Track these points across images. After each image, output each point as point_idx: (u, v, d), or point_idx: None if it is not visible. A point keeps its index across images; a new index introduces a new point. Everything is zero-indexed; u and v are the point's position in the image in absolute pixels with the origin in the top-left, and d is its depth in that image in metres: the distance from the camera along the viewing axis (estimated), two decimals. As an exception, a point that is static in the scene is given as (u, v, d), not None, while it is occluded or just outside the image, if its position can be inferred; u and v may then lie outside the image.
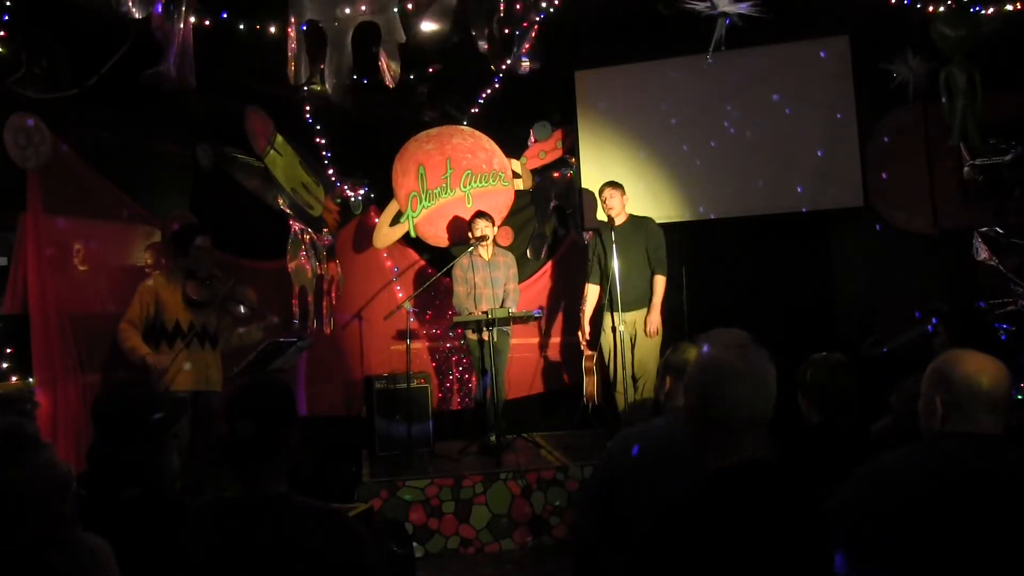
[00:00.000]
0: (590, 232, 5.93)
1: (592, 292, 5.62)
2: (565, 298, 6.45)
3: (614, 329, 5.30)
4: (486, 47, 5.11)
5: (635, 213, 5.60)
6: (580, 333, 5.71)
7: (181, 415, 2.52)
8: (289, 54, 4.74)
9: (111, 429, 2.28)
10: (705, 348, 1.73)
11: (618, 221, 5.44)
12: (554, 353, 6.50)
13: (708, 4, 4.76)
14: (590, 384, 5.59)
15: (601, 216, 5.74)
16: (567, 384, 6.38)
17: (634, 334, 5.35)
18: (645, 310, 5.37)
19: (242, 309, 4.74)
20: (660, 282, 5.44)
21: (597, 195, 5.53)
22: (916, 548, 1.81)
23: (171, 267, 4.75)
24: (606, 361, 5.47)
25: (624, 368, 5.28)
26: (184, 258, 4.61)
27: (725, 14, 4.77)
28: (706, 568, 1.54)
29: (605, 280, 5.45)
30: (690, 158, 6.25)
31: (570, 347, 6.28)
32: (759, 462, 1.63)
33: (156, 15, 4.27)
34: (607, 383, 5.53)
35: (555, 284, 6.55)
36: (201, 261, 4.61)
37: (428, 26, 4.96)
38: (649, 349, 5.35)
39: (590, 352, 5.63)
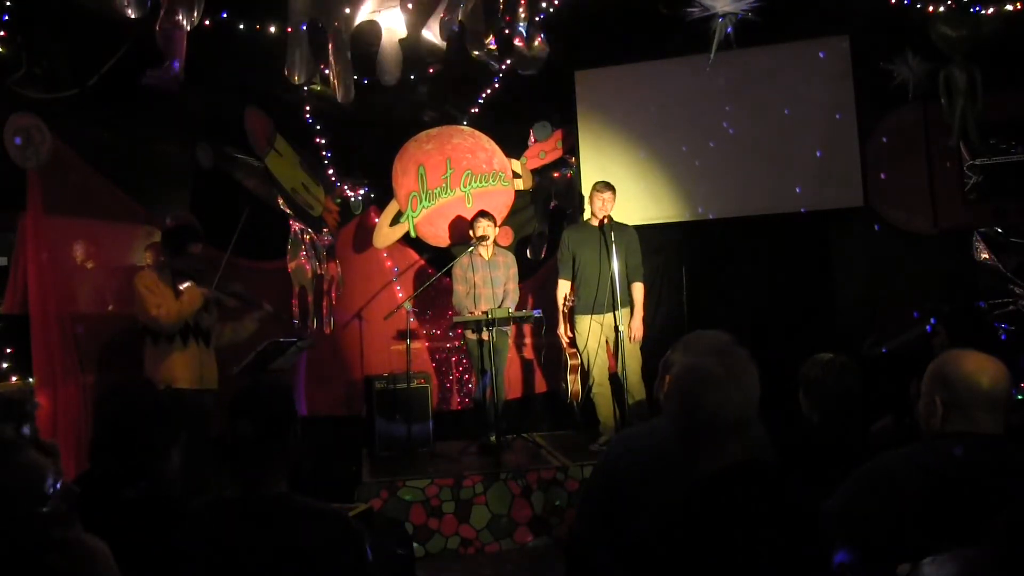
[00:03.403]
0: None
1: (566, 288, 5.60)
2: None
3: (616, 329, 5.30)
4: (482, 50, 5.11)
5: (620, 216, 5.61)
6: (562, 331, 5.63)
7: (185, 415, 2.51)
8: (289, 56, 4.73)
9: (114, 431, 2.28)
10: (684, 355, 1.73)
11: (606, 222, 5.42)
12: (554, 353, 6.50)
13: (708, 4, 4.76)
14: (575, 383, 5.57)
15: (587, 214, 5.73)
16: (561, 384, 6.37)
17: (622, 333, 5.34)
18: (626, 311, 5.38)
19: (232, 301, 4.71)
20: (640, 289, 5.52)
21: (592, 192, 5.51)
22: (916, 548, 1.81)
23: (161, 264, 4.71)
24: (587, 361, 5.48)
25: (604, 367, 5.39)
26: (174, 259, 4.57)
27: (726, 14, 4.77)
28: (703, 569, 1.54)
29: (578, 279, 5.48)
30: (690, 158, 6.25)
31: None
32: (749, 464, 1.63)
33: (161, 17, 4.26)
34: (586, 382, 5.54)
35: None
36: (191, 266, 4.58)
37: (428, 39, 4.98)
38: (633, 348, 5.37)
39: (573, 350, 5.61)
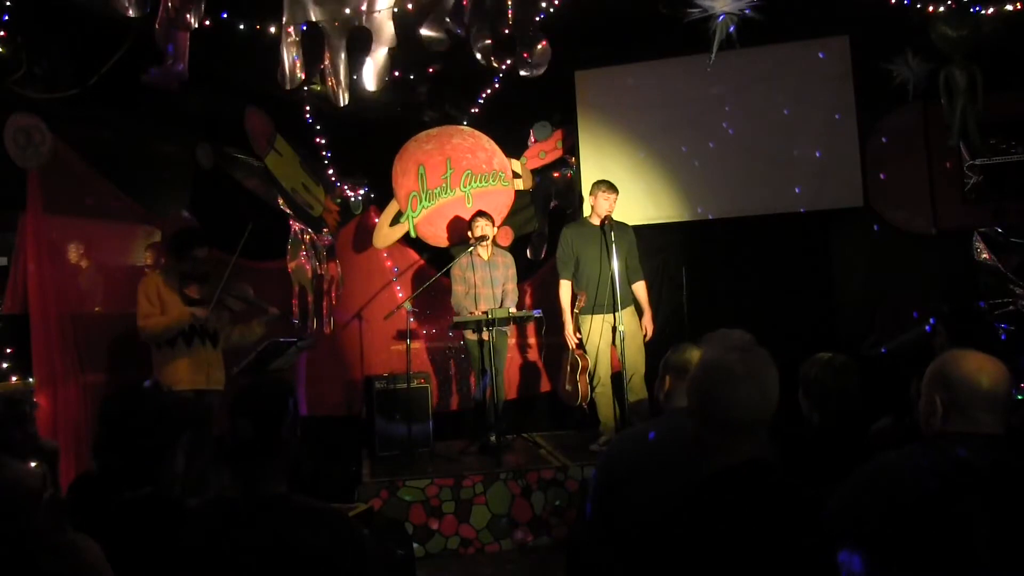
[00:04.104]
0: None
1: (568, 288, 5.54)
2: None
3: (615, 329, 5.29)
4: (484, 55, 5.09)
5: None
6: (570, 333, 5.52)
7: (189, 420, 2.52)
8: (283, 57, 4.72)
9: (118, 435, 2.28)
10: (707, 351, 1.73)
11: (607, 221, 5.41)
12: (554, 353, 6.49)
13: (707, 5, 4.75)
14: (585, 385, 5.55)
15: (586, 212, 5.72)
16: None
17: (622, 332, 5.33)
18: (627, 310, 5.37)
19: (239, 304, 4.72)
20: (643, 287, 5.54)
21: (597, 192, 5.49)
22: (916, 548, 1.81)
23: (165, 267, 4.73)
24: (591, 361, 5.47)
25: (608, 367, 5.41)
26: (180, 263, 4.59)
27: (726, 14, 4.77)
28: (704, 569, 1.54)
29: (579, 278, 5.47)
30: (689, 158, 6.25)
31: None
32: (757, 463, 1.63)
33: (163, 16, 4.25)
34: (591, 382, 5.52)
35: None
36: (198, 270, 4.59)
37: (428, 33, 4.95)
38: (638, 348, 5.37)
39: (581, 352, 5.58)
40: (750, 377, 1.64)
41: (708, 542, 1.55)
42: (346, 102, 4.91)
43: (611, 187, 5.45)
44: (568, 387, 5.62)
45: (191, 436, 2.35)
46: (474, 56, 5.13)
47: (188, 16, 4.22)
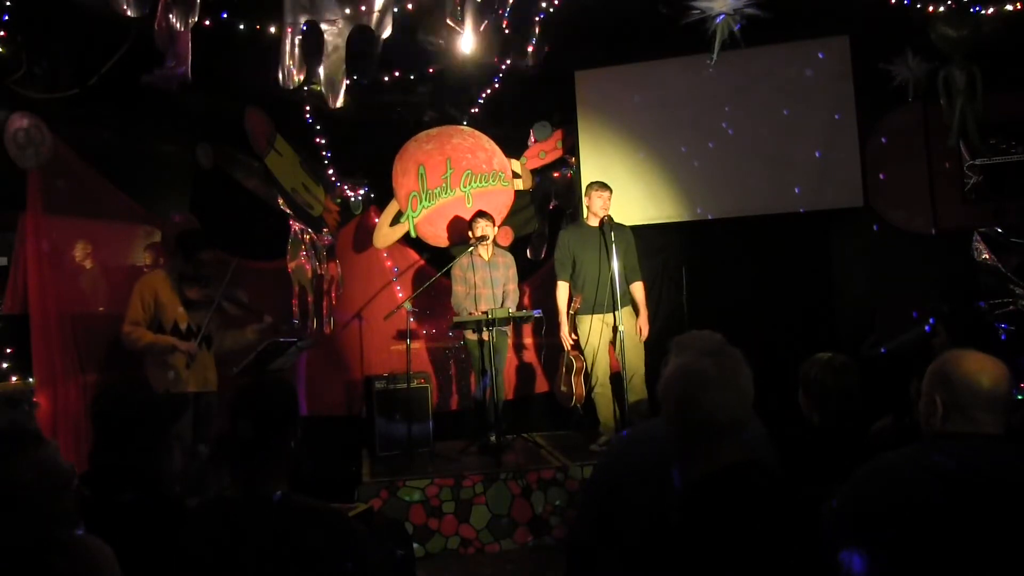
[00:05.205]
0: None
1: (565, 290, 5.55)
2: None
3: (615, 329, 5.30)
4: (476, 46, 5.10)
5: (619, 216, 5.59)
6: (566, 334, 5.53)
7: (182, 415, 2.52)
8: (282, 58, 4.73)
9: (110, 431, 2.28)
10: (678, 356, 1.72)
11: (606, 221, 5.41)
12: (554, 353, 6.48)
13: (706, 6, 4.76)
14: (579, 386, 5.55)
15: (584, 214, 5.72)
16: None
17: (622, 332, 5.32)
18: (626, 310, 5.37)
19: (235, 309, 4.73)
20: (641, 287, 5.53)
21: (591, 192, 5.49)
22: (916, 548, 1.81)
23: (168, 267, 4.74)
24: (590, 362, 5.47)
25: (606, 368, 5.41)
26: (184, 263, 4.59)
27: (726, 14, 4.77)
28: (702, 570, 1.54)
29: (578, 279, 5.46)
30: (689, 158, 6.24)
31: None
32: (743, 465, 1.63)
33: (159, 18, 4.26)
34: (589, 383, 5.53)
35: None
36: (201, 271, 4.59)
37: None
38: (637, 348, 5.37)
39: (577, 352, 5.57)
40: (725, 380, 1.64)
41: (699, 547, 1.55)
42: (336, 105, 4.92)
43: (603, 185, 5.46)
44: (563, 388, 5.63)
45: (193, 436, 2.35)
46: (473, 56, 5.14)
47: (173, 19, 4.23)
